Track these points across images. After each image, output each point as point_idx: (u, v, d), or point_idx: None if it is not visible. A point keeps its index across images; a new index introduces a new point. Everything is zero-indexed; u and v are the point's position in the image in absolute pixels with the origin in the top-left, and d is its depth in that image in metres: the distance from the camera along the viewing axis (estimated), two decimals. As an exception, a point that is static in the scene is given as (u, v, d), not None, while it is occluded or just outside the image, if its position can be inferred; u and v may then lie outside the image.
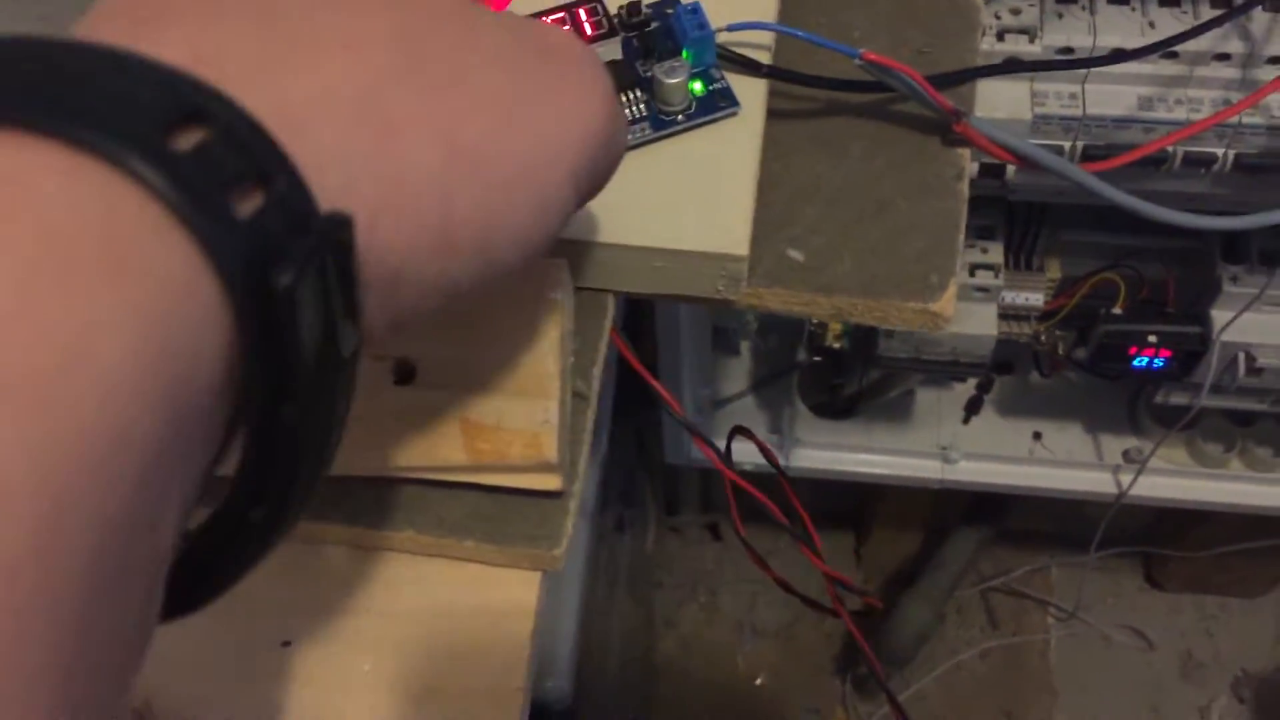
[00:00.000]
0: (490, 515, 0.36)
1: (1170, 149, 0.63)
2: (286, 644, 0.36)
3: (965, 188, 0.41)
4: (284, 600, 0.37)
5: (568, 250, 0.37)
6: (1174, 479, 0.99)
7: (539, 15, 0.39)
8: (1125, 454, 1.01)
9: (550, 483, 0.35)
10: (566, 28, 0.39)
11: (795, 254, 0.40)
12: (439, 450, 0.35)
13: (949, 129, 0.41)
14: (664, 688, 1.37)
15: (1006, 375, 1.06)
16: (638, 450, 1.25)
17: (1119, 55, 0.47)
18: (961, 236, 0.40)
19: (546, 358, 0.35)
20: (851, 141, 0.42)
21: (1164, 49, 0.48)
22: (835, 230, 0.40)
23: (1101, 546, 1.05)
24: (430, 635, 0.36)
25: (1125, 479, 0.99)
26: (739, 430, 0.50)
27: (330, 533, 0.36)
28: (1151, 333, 0.80)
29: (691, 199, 0.38)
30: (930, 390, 1.07)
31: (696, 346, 0.94)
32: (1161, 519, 1.21)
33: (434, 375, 0.35)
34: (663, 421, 1.05)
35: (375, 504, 0.36)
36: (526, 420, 0.35)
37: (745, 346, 1.09)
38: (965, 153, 0.42)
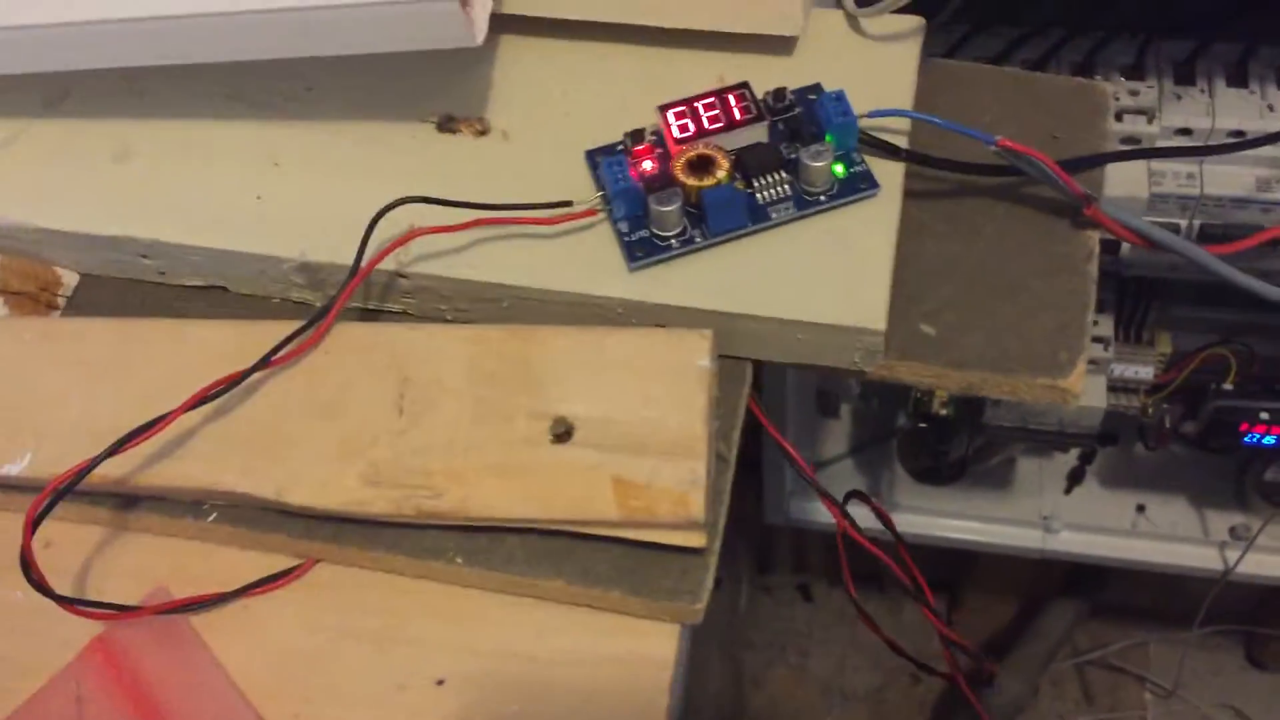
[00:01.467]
0: (633, 569, 0.38)
1: (1290, 230, 0.63)
2: (440, 682, 0.38)
3: (1095, 269, 0.43)
4: (440, 641, 0.39)
5: (714, 321, 0.40)
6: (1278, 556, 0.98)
7: (689, 100, 0.42)
8: (1231, 530, 1.00)
9: (695, 540, 0.37)
10: (716, 111, 0.42)
11: (928, 329, 0.42)
12: (594, 505, 0.37)
13: (1079, 212, 0.43)
14: (750, 747, 1.37)
15: (1110, 446, 1.05)
16: (734, 509, 1.27)
17: (1239, 142, 0.49)
18: (1091, 316, 0.42)
19: (695, 422, 0.37)
20: (984, 223, 0.44)
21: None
22: (967, 307, 0.42)
23: (1203, 624, 1.04)
24: (575, 681, 0.38)
25: (1231, 555, 0.98)
26: (855, 494, 0.52)
27: (487, 579, 0.39)
28: (1264, 410, 0.80)
29: (832, 275, 0.40)
30: (1032, 459, 1.06)
31: (801, 407, 0.96)
32: (1265, 597, 1.19)
33: (590, 435, 0.38)
34: (764, 482, 1.06)
35: (527, 555, 0.39)
36: (675, 480, 0.37)
37: (846, 410, 1.10)
38: (1094, 235, 0.43)
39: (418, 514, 0.38)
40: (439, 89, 0.46)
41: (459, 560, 0.39)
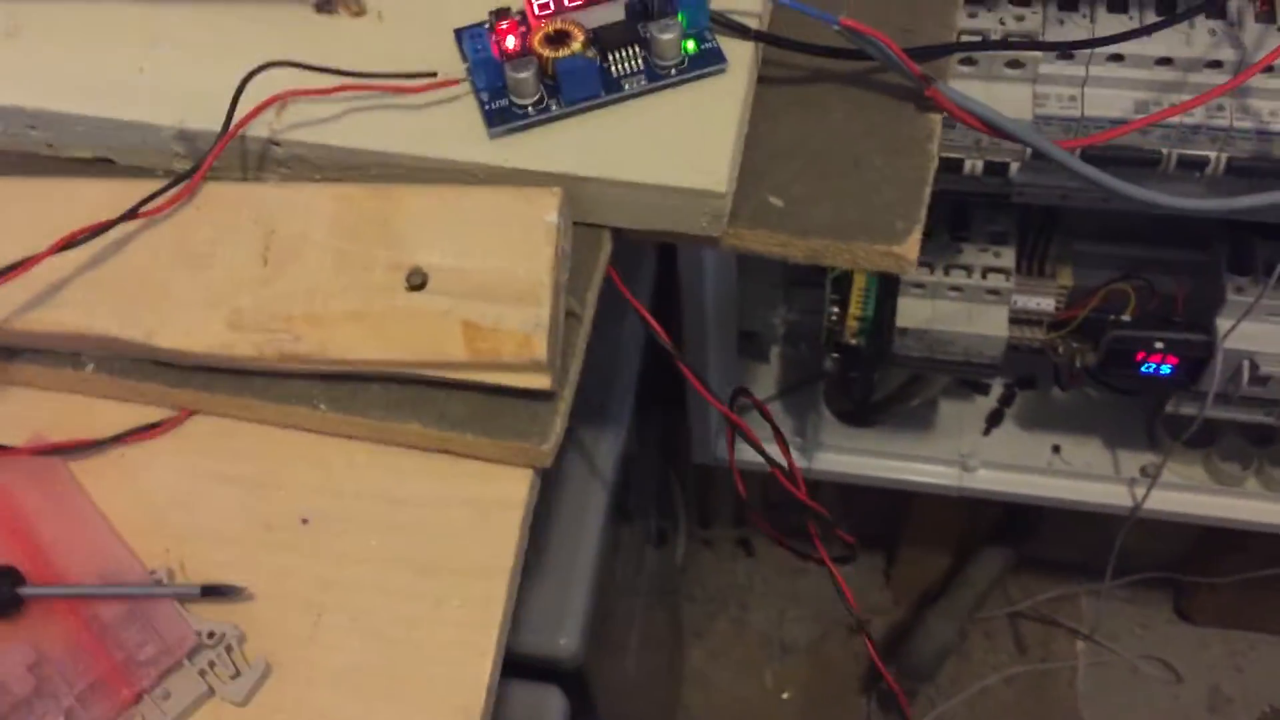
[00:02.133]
0: (487, 414, 0.41)
1: (1164, 150, 0.66)
2: (305, 521, 0.41)
3: (935, 148, 0.45)
4: (305, 484, 0.41)
5: (568, 185, 0.42)
6: (1189, 495, 1.01)
7: (554, -19, 0.44)
8: (1142, 469, 1.03)
9: (540, 382, 0.40)
10: (576, -11, 0.44)
11: (776, 200, 0.44)
12: (444, 347, 0.39)
13: (923, 96, 0.45)
14: (690, 697, 1.39)
15: (1028, 390, 1.08)
16: (669, 457, 1.29)
17: (1070, 45, 0.51)
18: (928, 190, 0.44)
19: (541, 271, 0.40)
20: (833, 105, 0.46)
21: (1139, 35, 0.51)
22: (813, 181, 0.44)
23: (1128, 571, 1.06)
24: (432, 521, 0.41)
25: (1141, 493, 1.01)
26: (741, 391, 0.54)
27: (350, 425, 0.41)
28: (1158, 339, 0.83)
29: (680, 143, 0.42)
30: (953, 403, 1.09)
31: (722, 345, 0.98)
32: (1191, 549, 1.22)
33: (443, 284, 0.40)
34: (690, 421, 1.09)
35: (386, 402, 0.41)
36: (520, 323, 0.39)
37: (774, 354, 1.13)
38: (937, 117, 0.46)
39: (279, 357, 0.40)
40: (320, -26, 0.48)
41: (323, 406, 0.41)
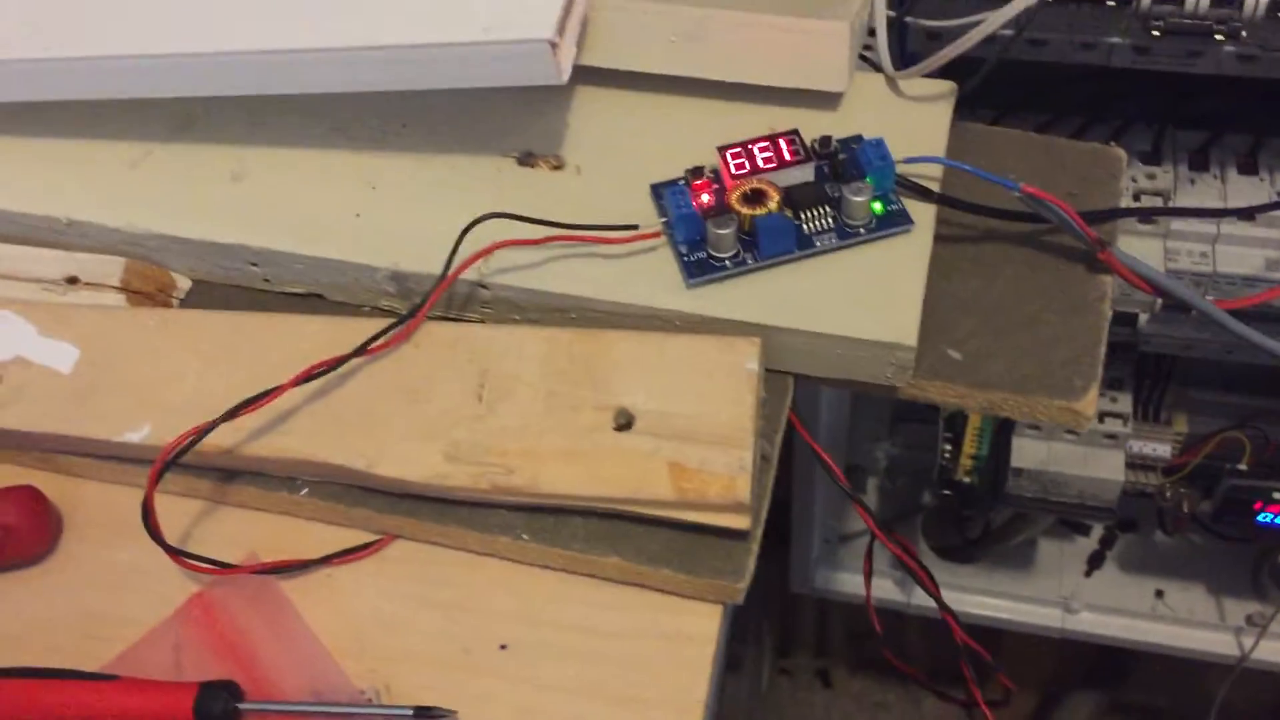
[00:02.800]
0: (683, 550, 0.42)
1: (1298, 306, 0.68)
2: (503, 647, 0.42)
3: (1108, 308, 0.47)
4: (504, 611, 0.43)
5: (761, 334, 0.44)
6: (1296, 645, 1.00)
7: (745, 143, 0.47)
8: (1248, 618, 1.02)
9: (741, 522, 0.41)
10: (769, 152, 0.47)
11: (954, 354, 0.46)
12: (650, 485, 0.41)
13: (1094, 258, 0.48)
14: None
15: (1130, 532, 1.08)
16: (758, 586, 1.29)
17: (1247, 210, 0.53)
18: (1103, 349, 0.46)
19: (743, 416, 0.42)
20: (1006, 265, 0.48)
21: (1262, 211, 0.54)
22: (990, 337, 0.46)
23: (1221, 716, 1.05)
24: (626, 653, 0.42)
25: (1247, 642, 1.00)
26: (892, 532, 0.55)
27: (550, 556, 0.43)
28: (1277, 489, 0.83)
29: (868, 297, 0.45)
30: (1053, 542, 1.09)
31: (828, 483, 0.99)
32: (1288, 697, 1.20)
33: (648, 425, 0.42)
34: (791, 548, 1.10)
35: (587, 534, 0.43)
36: (724, 466, 0.41)
37: (872, 485, 1.14)
38: (1108, 279, 0.48)
39: (492, 489, 0.42)
40: (520, 128, 0.51)
41: (525, 537, 0.43)
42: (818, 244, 0.46)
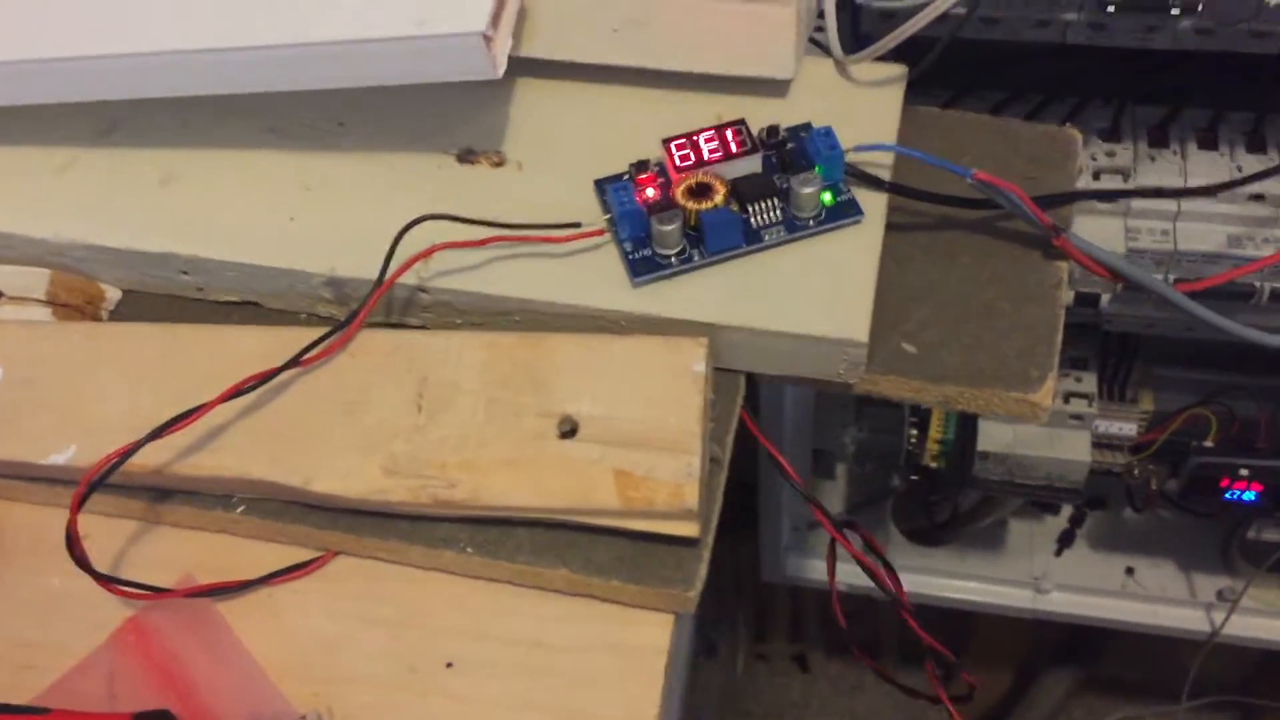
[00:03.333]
0: (632, 559, 0.41)
1: (1258, 284, 0.67)
2: (449, 665, 0.41)
3: (1064, 295, 0.46)
4: (450, 627, 0.42)
5: (710, 333, 0.43)
6: (1268, 620, 1.00)
7: (690, 134, 0.46)
8: (1219, 593, 1.02)
9: (689, 529, 0.40)
10: (715, 143, 0.45)
11: (909, 347, 0.45)
12: (596, 495, 0.40)
13: (1049, 244, 0.46)
14: (747, 818, 1.37)
15: (1099, 510, 1.08)
16: (731, 572, 1.28)
17: (1208, 189, 0.52)
18: (1060, 337, 0.45)
19: (690, 420, 0.41)
20: (961, 253, 0.47)
21: (1246, 183, 0.53)
22: (945, 328, 0.45)
23: (1197, 694, 1.05)
24: (577, 666, 0.41)
25: (1218, 618, 1.00)
26: (848, 524, 0.54)
27: (496, 569, 0.42)
28: (1243, 466, 0.83)
29: (819, 292, 0.43)
30: (1023, 522, 1.09)
31: (796, 466, 0.98)
32: (1259, 669, 1.20)
33: (593, 432, 0.41)
34: (760, 537, 1.09)
35: (533, 546, 0.41)
36: (672, 473, 0.40)
37: (841, 470, 1.13)
38: (1064, 265, 0.47)
39: (433, 502, 0.41)
40: (459, 125, 0.50)
41: (470, 550, 0.42)
42: (766, 238, 0.44)
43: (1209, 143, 0.70)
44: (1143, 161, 0.69)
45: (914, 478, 0.94)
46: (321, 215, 0.47)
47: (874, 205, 0.46)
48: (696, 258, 0.44)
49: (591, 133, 0.49)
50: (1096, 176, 0.69)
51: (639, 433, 0.41)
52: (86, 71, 0.46)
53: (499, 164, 0.48)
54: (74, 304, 0.47)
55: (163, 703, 0.40)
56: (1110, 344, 0.86)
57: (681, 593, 0.40)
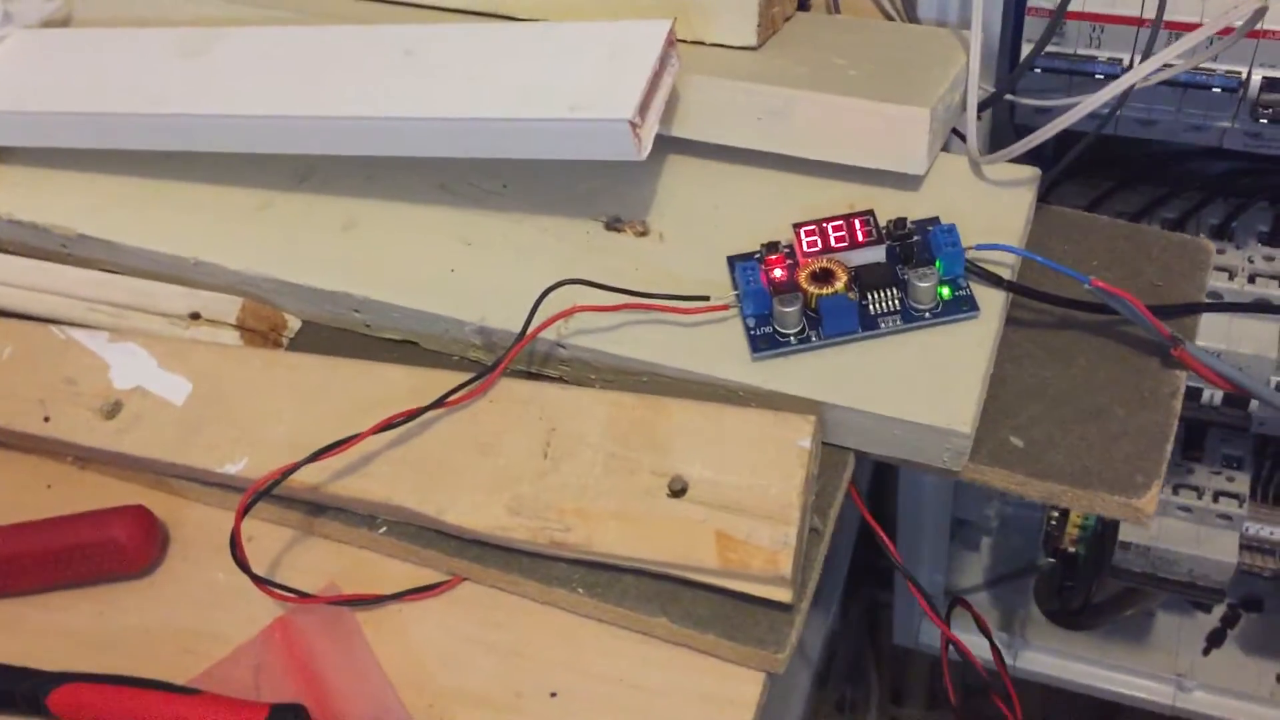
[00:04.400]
0: (729, 617, 0.44)
1: None
2: (554, 695, 0.45)
3: (1179, 405, 0.47)
4: (557, 659, 0.45)
5: (818, 410, 0.46)
6: None
7: (820, 221, 0.48)
8: (1375, 712, 0.97)
9: (782, 595, 0.43)
10: (842, 231, 0.48)
11: (1016, 440, 0.46)
12: (697, 553, 0.43)
13: (1168, 352, 0.47)
14: None
15: (1255, 613, 1.04)
16: (868, 632, 1.29)
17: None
18: (1170, 447, 0.46)
19: (792, 492, 0.43)
20: (1079, 354, 0.49)
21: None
22: (1054, 426, 0.47)
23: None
24: (670, 710, 0.44)
25: (1372, 736, 0.95)
26: (958, 600, 0.56)
27: (603, 611, 0.45)
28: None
29: (929, 382, 0.45)
30: (1172, 616, 1.06)
31: (935, 532, 0.99)
32: None
33: (701, 494, 0.44)
34: (895, 602, 1.09)
35: (639, 593, 0.45)
36: (770, 539, 0.43)
37: (986, 544, 1.12)
38: (1182, 374, 0.47)
39: (549, 544, 0.44)
40: (610, 195, 0.54)
41: (580, 590, 0.45)
42: (882, 325, 0.47)
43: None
44: (1260, 265, 0.69)
45: (1051, 560, 0.93)
46: (478, 268, 0.52)
47: (992, 302, 0.47)
48: (814, 338, 0.47)
49: (730, 211, 0.52)
50: (1251, 279, 0.68)
51: (742, 499, 0.44)
52: (293, 129, 0.52)
53: (643, 234, 0.52)
54: (260, 330, 0.53)
55: (300, 698, 0.45)
56: (1267, 445, 0.84)
57: (772, 654, 0.43)
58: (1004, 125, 0.63)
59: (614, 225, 0.53)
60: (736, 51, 0.54)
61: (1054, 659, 1.06)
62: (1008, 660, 1.06)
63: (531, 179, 0.55)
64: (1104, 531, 0.87)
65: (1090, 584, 0.92)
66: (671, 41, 0.48)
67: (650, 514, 0.44)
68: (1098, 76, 0.57)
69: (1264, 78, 0.55)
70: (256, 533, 0.49)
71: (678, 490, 0.45)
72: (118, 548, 0.48)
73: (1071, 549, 0.90)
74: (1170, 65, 0.50)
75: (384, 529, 0.48)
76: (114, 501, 0.50)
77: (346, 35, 0.53)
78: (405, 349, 0.53)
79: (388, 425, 0.45)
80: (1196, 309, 0.49)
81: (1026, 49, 0.58)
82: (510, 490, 0.46)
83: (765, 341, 0.47)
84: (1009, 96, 0.57)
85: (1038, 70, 0.58)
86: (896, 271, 0.48)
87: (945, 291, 0.47)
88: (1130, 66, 0.57)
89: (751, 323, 0.47)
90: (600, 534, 0.44)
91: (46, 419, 0.51)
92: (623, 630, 0.46)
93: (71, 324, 0.53)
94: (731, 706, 0.44)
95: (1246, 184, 0.72)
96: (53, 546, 0.48)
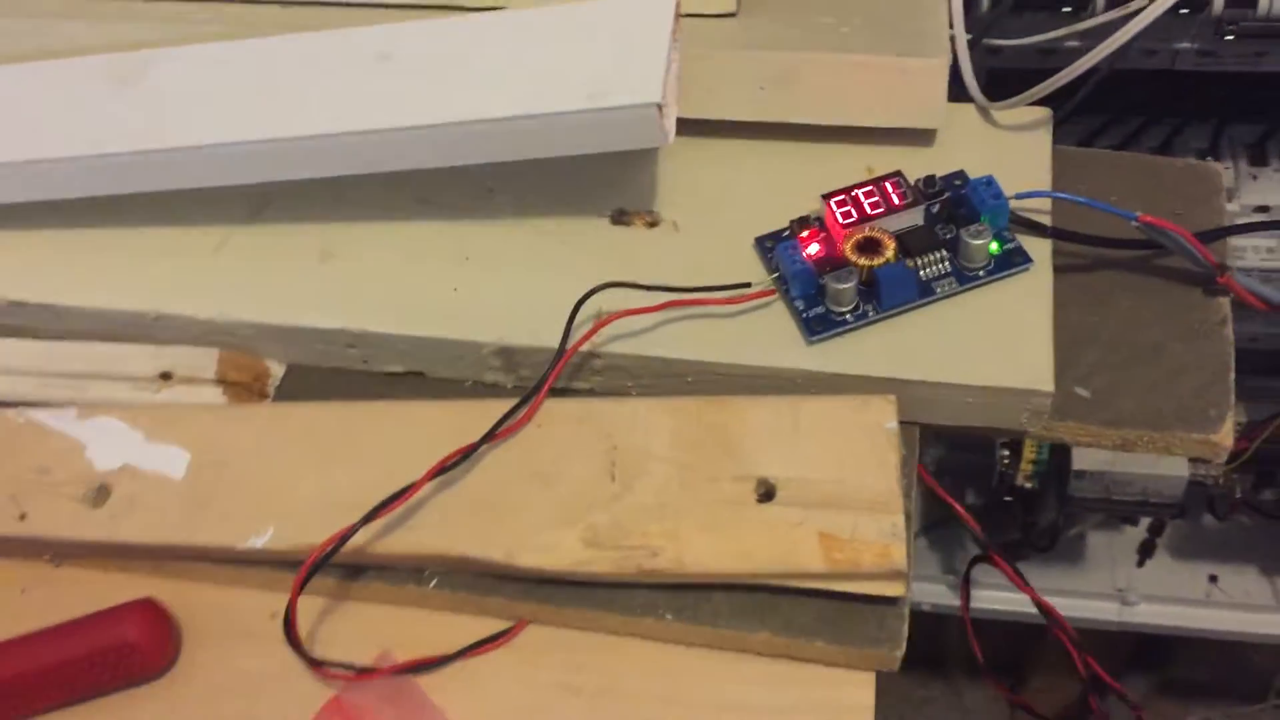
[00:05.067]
0: (835, 620, 0.41)
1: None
2: (656, 732, 0.41)
3: (1230, 332, 0.46)
4: (651, 693, 0.42)
5: (890, 388, 0.43)
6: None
7: (848, 189, 0.46)
8: (1305, 596, 1.02)
9: (896, 589, 0.40)
10: (876, 198, 0.46)
11: (1082, 391, 0.45)
12: (800, 558, 0.40)
13: (1209, 280, 0.47)
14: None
15: (1178, 519, 1.08)
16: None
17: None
18: (1233, 375, 0.45)
19: (890, 479, 0.41)
20: (1120, 294, 0.48)
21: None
22: (1115, 371, 0.45)
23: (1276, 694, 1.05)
24: (781, 728, 0.41)
25: (1308, 621, 1.00)
26: (977, 559, 0.54)
27: (694, 634, 0.42)
28: (1341, 472, 0.83)
29: (998, 342, 0.44)
30: (1101, 533, 1.09)
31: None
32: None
33: (792, 495, 0.41)
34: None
35: (731, 610, 0.42)
36: (877, 532, 0.40)
37: (916, 490, 1.13)
38: (1226, 300, 0.47)
39: (638, 572, 0.41)
40: (609, 186, 0.50)
41: (669, 616, 0.42)
42: (938, 290, 0.45)
43: (1309, 157, 0.70)
44: (1244, 180, 0.70)
45: (1008, 499, 0.94)
46: (483, 284, 0.47)
47: (1039, 251, 0.46)
48: (871, 314, 0.44)
49: (742, 189, 0.49)
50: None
51: (839, 493, 0.41)
52: (235, 156, 0.46)
53: (653, 224, 0.49)
54: (243, 381, 0.48)
55: (377, 783, 0.40)
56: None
57: (888, 652, 0.41)
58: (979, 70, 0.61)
59: (620, 219, 0.49)
60: (717, 20, 0.51)
61: (997, 592, 1.07)
62: (956, 601, 1.07)
63: (519, 179, 0.50)
64: (1057, 463, 0.88)
65: (1055, 510, 0.93)
66: (678, 13, 0.45)
67: (742, 523, 0.41)
68: (1064, 10, 0.57)
69: (1228, -6, 0.55)
70: (282, 608, 0.44)
71: (766, 494, 0.41)
72: (132, 650, 0.42)
73: (1027, 485, 0.91)
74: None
75: (434, 582, 0.43)
76: (102, 599, 0.44)
77: (304, 44, 0.47)
78: (410, 381, 0.48)
79: (444, 468, 0.41)
80: (1231, 231, 0.48)
81: (987, -11, 0.57)
82: (583, 520, 0.42)
83: (820, 323, 0.44)
84: (991, 40, 0.55)
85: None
86: (939, 232, 0.46)
87: (995, 247, 0.45)
88: (1094, -2, 0.56)
89: (801, 305, 0.45)
90: (692, 553, 0.41)
91: (22, 516, 0.44)
92: (714, 651, 0.42)
93: (26, 404, 0.46)
94: (850, 713, 0.41)
95: (1180, 105, 0.72)
96: (58, 660, 0.41)
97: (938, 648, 1.27)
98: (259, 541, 0.43)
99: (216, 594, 0.45)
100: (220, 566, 0.45)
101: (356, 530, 0.39)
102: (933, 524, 1.13)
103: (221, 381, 0.47)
